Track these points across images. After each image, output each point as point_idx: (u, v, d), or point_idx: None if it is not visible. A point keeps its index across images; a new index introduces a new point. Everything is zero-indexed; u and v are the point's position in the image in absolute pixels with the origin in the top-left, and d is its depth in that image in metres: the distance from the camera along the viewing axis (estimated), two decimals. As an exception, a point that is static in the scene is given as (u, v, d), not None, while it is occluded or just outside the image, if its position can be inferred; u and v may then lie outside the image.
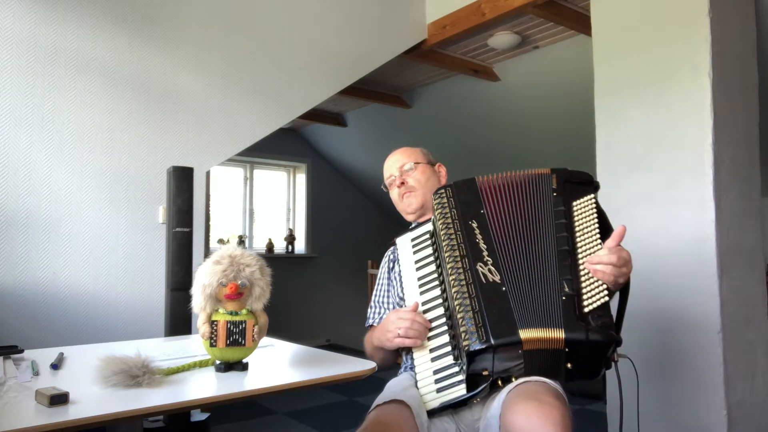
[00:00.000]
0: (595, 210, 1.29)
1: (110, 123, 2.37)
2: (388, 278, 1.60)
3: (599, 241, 1.24)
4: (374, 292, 1.63)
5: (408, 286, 1.42)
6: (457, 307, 1.23)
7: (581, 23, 3.03)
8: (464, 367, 1.20)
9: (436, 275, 1.38)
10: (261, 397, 2.24)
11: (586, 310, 1.18)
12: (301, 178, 6.03)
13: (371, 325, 1.58)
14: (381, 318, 1.55)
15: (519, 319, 1.18)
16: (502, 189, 1.36)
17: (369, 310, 1.61)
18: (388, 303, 1.57)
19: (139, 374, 0.87)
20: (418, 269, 1.42)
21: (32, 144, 2.19)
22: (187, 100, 2.57)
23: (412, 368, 1.41)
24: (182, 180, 2.09)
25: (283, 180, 6.07)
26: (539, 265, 1.25)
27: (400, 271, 1.47)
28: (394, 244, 1.58)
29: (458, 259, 1.28)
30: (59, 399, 0.76)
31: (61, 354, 1.11)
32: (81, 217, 2.28)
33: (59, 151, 2.25)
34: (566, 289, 1.20)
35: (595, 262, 1.20)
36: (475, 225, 1.32)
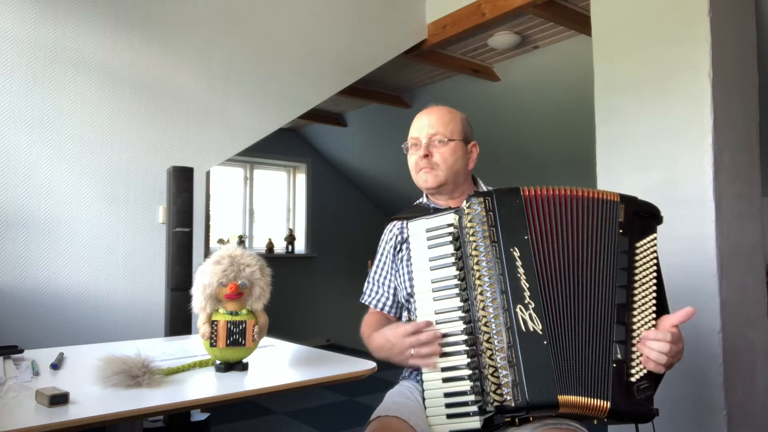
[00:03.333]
0: (655, 254, 1.14)
1: (110, 123, 2.37)
2: (393, 259, 1.45)
3: (655, 297, 1.12)
4: (374, 268, 1.50)
5: (420, 287, 1.22)
6: (487, 351, 1.10)
7: (581, 23, 3.03)
8: (486, 409, 1.10)
9: (455, 282, 1.17)
10: (261, 397, 2.24)
11: (633, 379, 1.08)
12: (301, 178, 6.03)
13: (368, 306, 1.50)
14: (378, 298, 1.47)
15: (559, 382, 1.05)
16: (552, 210, 1.15)
17: (366, 285, 1.51)
18: (389, 286, 1.46)
19: (139, 374, 0.87)
20: (432, 269, 1.21)
21: (32, 144, 2.19)
22: (187, 100, 2.57)
23: (416, 379, 1.36)
24: (182, 180, 2.09)
25: (283, 180, 6.07)
26: (589, 320, 1.10)
27: (410, 262, 1.28)
28: (398, 219, 1.44)
29: (495, 297, 1.11)
30: (59, 399, 0.76)
31: (61, 354, 1.10)
32: (81, 217, 2.28)
33: (59, 151, 2.25)
34: (618, 356, 1.07)
35: (653, 348, 1.08)
36: (516, 254, 1.12)
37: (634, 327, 1.10)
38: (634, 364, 1.09)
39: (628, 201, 1.16)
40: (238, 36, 2.74)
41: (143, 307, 2.40)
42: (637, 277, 1.12)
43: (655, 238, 1.15)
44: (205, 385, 0.92)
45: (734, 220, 2.17)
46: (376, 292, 1.49)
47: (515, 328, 1.08)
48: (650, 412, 1.07)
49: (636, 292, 1.12)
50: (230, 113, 2.69)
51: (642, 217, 1.16)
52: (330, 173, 6.20)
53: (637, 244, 1.14)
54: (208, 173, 2.69)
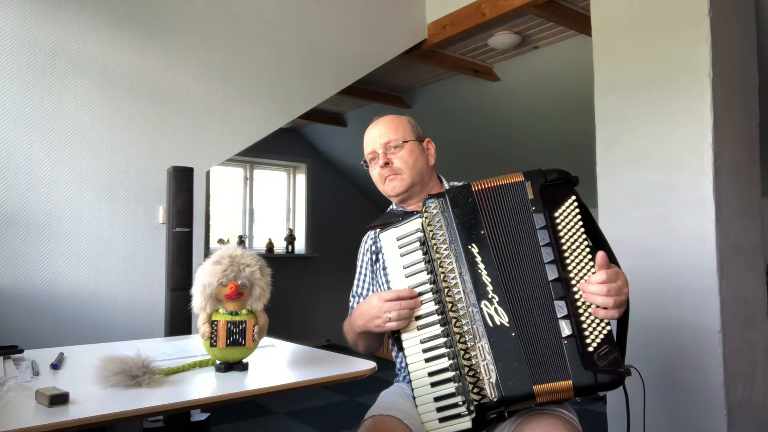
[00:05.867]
0: (579, 217, 1.14)
1: (110, 123, 2.37)
2: (372, 270, 1.48)
3: (590, 257, 1.11)
4: (356, 282, 1.52)
5: None
6: (461, 351, 1.11)
7: (581, 23, 3.03)
8: (470, 409, 1.12)
9: (428, 286, 1.21)
10: (261, 397, 2.24)
11: (591, 349, 1.07)
12: (301, 178, 6.02)
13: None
14: None
15: (532, 373, 1.06)
16: (498, 201, 1.17)
17: (351, 299, 1.52)
18: None
19: (139, 374, 0.87)
20: (407, 277, 1.23)
21: (32, 144, 2.19)
22: (187, 100, 2.57)
23: (408, 381, 1.37)
24: (182, 180, 2.10)
25: (283, 180, 6.07)
26: (538, 303, 1.11)
27: (385, 273, 1.31)
28: (372, 228, 1.45)
29: (461, 296, 1.13)
30: (59, 399, 0.76)
31: (61, 354, 1.10)
32: (81, 217, 2.28)
33: (59, 151, 2.25)
34: (566, 332, 1.07)
35: (591, 298, 1.08)
36: (475, 251, 1.14)
37: (577, 297, 1.10)
38: (587, 333, 1.08)
39: (533, 176, 1.16)
40: (238, 36, 2.74)
41: (143, 307, 2.40)
42: (565, 247, 1.12)
43: (574, 201, 1.14)
44: (205, 385, 0.92)
45: (734, 220, 2.17)
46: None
47: (483, 326, 1.10)
48: (619, 376, 1.05)
49: (568, 261, 1.11)
50: (230, 113, 2.69)
51: (552, 187, 1.16)
52: (330, 173, 6.19)
53: (555, 215, 1.14)
54: (208, 173, 2.69)
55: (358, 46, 3.14)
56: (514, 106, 4.15)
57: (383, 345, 1.45)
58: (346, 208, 6.27)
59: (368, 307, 1.24)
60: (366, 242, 1.50)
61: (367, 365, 1.02)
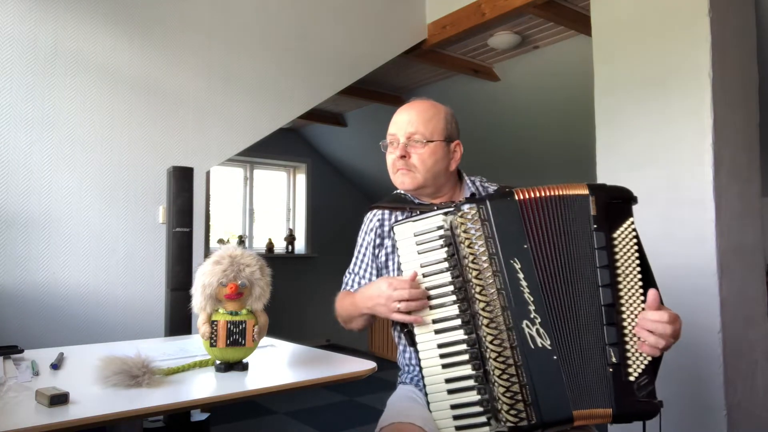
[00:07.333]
0: (635, 240, 1.09)
1: (110, 123, 2.37)
2: (373, 252, 1.39)
3: (641, 284, 1.08)
4: (354, 260, 1.43)
5: None
6: (496, 371, 1.07)
7: (581, 23, 3.03)
8: (489, 420, 1.09)
9: (450, 289, 1.12)
10: (261, 397, 2.24)
11: (632, 378, 1.06)
12: (301, 178, 6.03)
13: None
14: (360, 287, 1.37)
15: (572, 398, 1.05)
16: (543, 214, 1.10)
17: (347, 275, 1.44)
18: (369, 280, 1.39)
19: (139, 374, 0.87)
20: (425, 276, 1.14)
21: (32, 144, 2.19)
22: (187, 100, 2.57)
23: (414, 383, 1.33)
24: (182, 180, 2.10)
25: (283, 180, 6.07)
26: (585, 326, 1.07)
27: (400, 270, 1.21)
28: (380, 207, 1.39)
29: (499, 313, 1.08)
30: (59, 399, 0.76)
31: (61, 354, 1.10)
32: (81, 217, 2.28)
33: (59, 151, 2.25)
34: (613, 359, 1.05)
35: (644, 334, 1.05)
36: (517, 266, 1.08)
37: (625, 324, 1.08)
38: (630, 362, 1.06)
39: (597, 190, 1.10)
40: (238, 36, 2.74)
41: (143, 307, 2.40)
42: (620, 270, 1.08)
43: (632, 222, 1.10)
44: (205, 385, 0.92)
45: (734, 220, 2.17)
46: (357, 282, 1.41)
47: (523, 347, 1.07)
48: (654, 407, 1.05)
49: (621, 286, 1.08)
50: (230, 113, 2.69)
51: (615, 204, 1.10)
52: (330, 173, 6.19)
53: (614, 235, 1.09)
54: (208, 173, 2.69)
55: (358, 46, 3.13)
56: (514, 106, 4.15)
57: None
58: (346, 208, 6.27)
59: (377, 292, 1.17)
60: (371, 221, 1.41)
61: (367, 365, 1.02)
